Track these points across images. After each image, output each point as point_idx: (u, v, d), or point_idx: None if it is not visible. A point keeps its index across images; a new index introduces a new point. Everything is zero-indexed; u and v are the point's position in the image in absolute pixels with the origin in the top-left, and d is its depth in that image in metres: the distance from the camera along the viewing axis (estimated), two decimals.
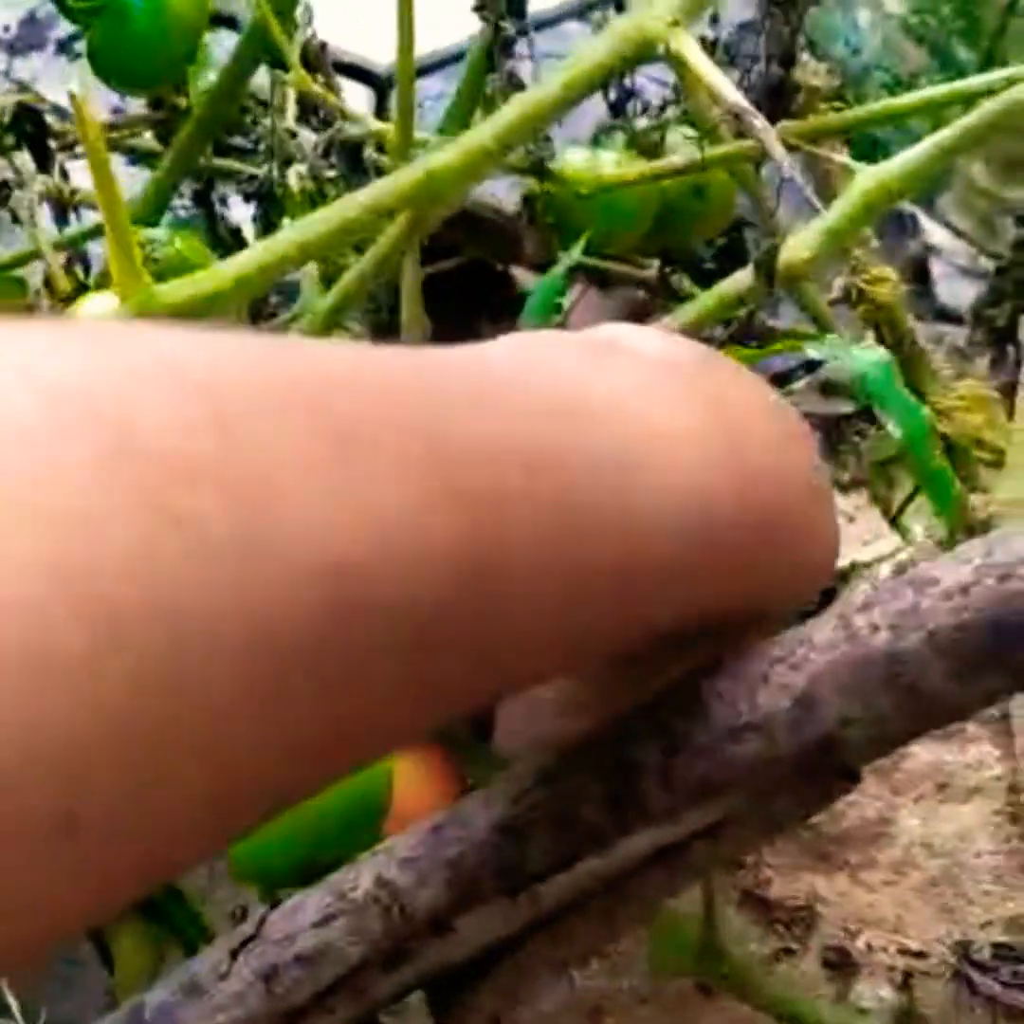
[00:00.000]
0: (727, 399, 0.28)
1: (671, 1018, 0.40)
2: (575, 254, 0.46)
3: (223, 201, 0.67)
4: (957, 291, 0.78)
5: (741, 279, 0.42)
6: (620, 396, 0.26)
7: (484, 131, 0.39)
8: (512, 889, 0.31)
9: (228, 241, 0.65)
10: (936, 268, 0.79)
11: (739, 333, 0.71)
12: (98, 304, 0.36)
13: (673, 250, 0.54)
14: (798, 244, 0.41)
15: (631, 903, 0.32)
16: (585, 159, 0.48)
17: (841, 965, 0.40)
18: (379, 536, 0.19)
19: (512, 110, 0.40)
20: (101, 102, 0.69)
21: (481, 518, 0.21)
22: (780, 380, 0.73)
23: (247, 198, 0.64)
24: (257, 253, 0.35)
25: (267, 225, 0.62)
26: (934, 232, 0.81)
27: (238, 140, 0.67)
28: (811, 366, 0.73)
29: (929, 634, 0.28)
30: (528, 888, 0.31)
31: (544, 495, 0.22)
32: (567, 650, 0.25)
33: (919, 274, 0.79)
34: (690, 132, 0.50)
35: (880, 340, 0.54)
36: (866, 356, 0.37)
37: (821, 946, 0.41)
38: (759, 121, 0.44)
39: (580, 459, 0.24)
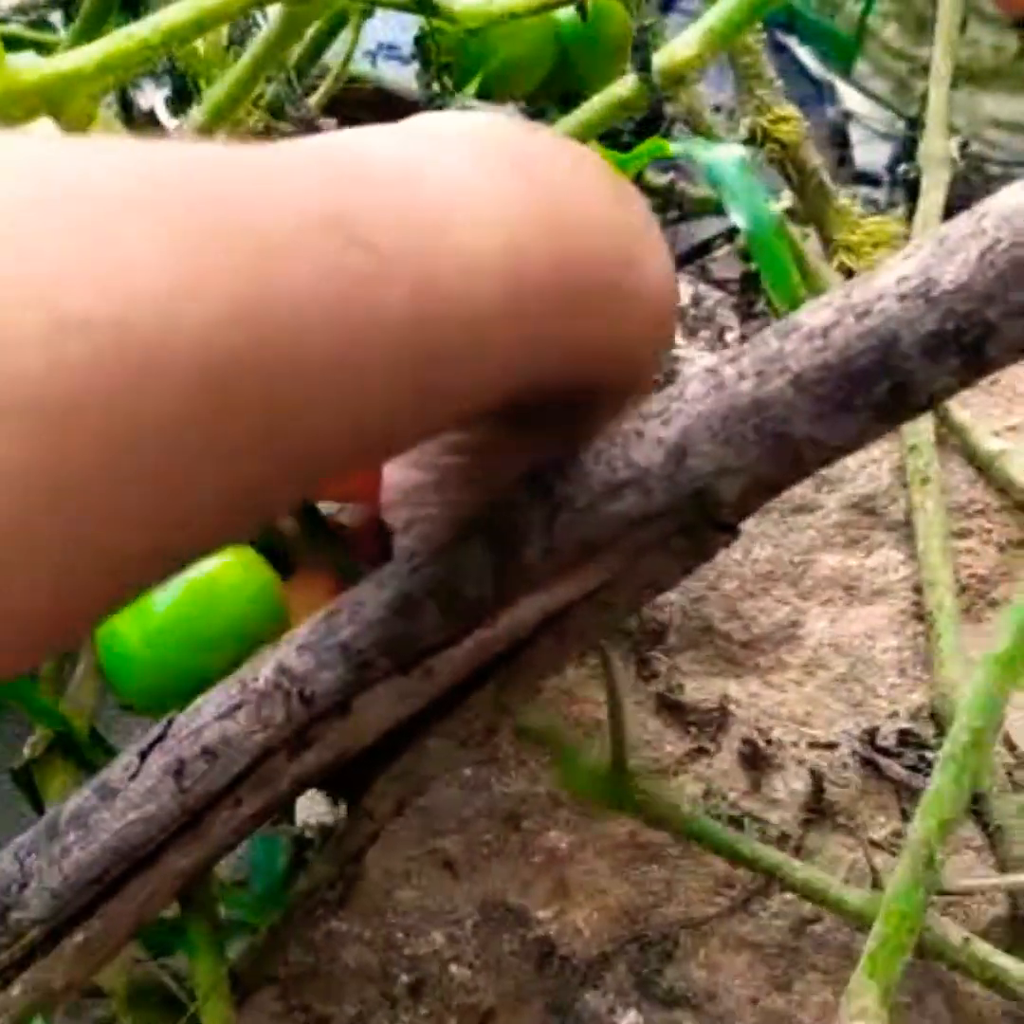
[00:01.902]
0: (542, 163, 0.28)
1: (586, 820, 0.41)
2: (469, 93, 0.46)
3: (136, 85, 0.67)
4: (875, 154, 0.79)
5: (625, 84, 0.42)
6: (420, 161, 0.26)
7: None
8: (404, 666, 0.32)
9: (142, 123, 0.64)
10: (854, 133, 0.80)
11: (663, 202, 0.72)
12: None
13: (575, 93, 0.53)
14: (680, 44, 0.41)
15: (523, 674, 0.33)
16: None
17: (754, 761, 0.41)
18: (131, 292, 0.19)
19: None
20: None
21: (264, 277, 0.21)
22: (703, 248, 0.74)
23: (158, 77, 0.63)
24: (118, 39, 0.34)
25: (180, 104, 0.62)
26: (851, 98, 0.81)
27: None
28: (732, 235, 0.74)
29: (794, 376, 0.28)
30: (420, 663, 0.32)
31: (332, 256, 0.22)
32: (381, 417, 0.25)
33: (838, 139, 0.79)
34: None
35: (786, 178, 0.55)
36: (721, 151, 0.38)
37: (734, 745, 0.42)
38: None
39: (377, 219, 0.23)
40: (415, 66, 0.56)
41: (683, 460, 0.29)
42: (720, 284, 0.73)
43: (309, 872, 0.37)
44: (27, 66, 0.31)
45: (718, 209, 0.66)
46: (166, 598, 0.39)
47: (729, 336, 0.68)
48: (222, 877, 0.54)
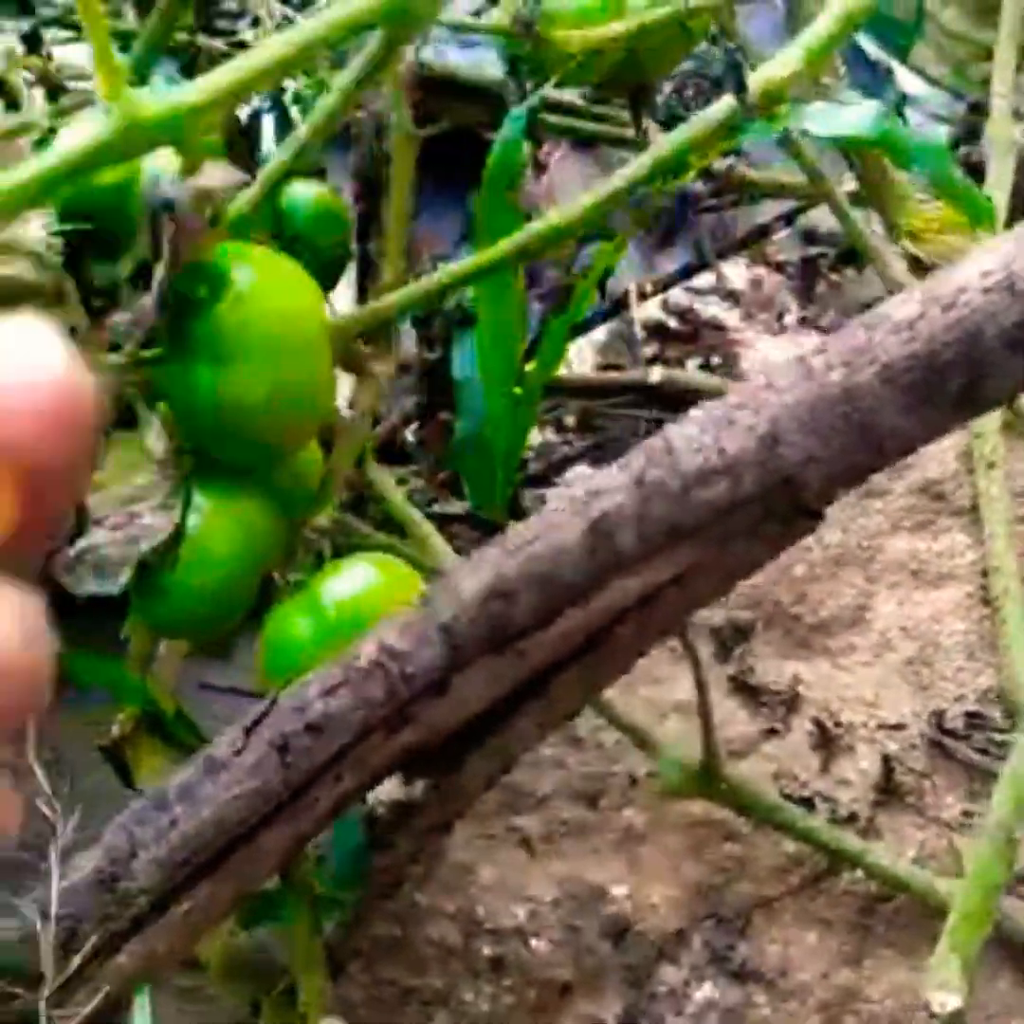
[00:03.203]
0: None
1: (661, 799, 0.42)
2: (534, 100, 0.47)
3: None
4: None
5: (718, 109, 0.42)
6: None
7: None
8: (499, 646, 0.33)
9: None
10: (913, 117, 0.80)
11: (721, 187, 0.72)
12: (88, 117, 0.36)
13: (643, 84, 0.54)
14: (775, 64, 0.41)
15: (610, 658, 0.34)
16: None
17: (824, 742, 0.42)
18: None
19: None
20: None
21: None
22: (761, 232, 0.75)
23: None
24: (235, 69, 0.35)
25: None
26: (909, 82, 0.81)
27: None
28: (790, 219, 0.74)
29: (882, 367, 0.29)
30: (513, 645, 0.33)
31: None
32: None
33: None
34: None
35: (848, 161, 0.56)
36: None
37: (804, 726, 0.43)
38: None
39: None
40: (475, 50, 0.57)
41: (774, 448, 0.30)
42: (779, 267, 0.73)
43: (391, 848, 0.38)
44: (146, 100, 0.32)
45: (776, 193, 0.67)
46: (338, 597, 0.40)
47: (788, 319, 0.68)
48: None
